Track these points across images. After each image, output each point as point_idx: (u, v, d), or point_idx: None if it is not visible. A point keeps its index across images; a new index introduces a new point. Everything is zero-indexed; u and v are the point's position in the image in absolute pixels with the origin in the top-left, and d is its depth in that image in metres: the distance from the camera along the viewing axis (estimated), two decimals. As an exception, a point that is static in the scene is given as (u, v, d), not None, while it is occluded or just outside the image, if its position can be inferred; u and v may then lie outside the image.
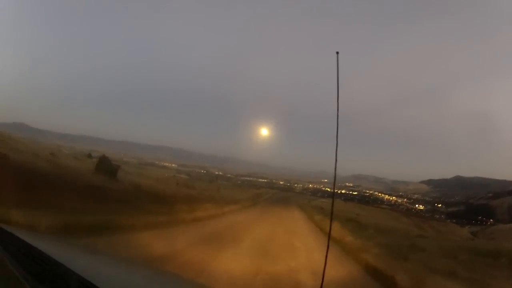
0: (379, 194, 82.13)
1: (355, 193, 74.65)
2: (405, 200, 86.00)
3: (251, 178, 73.85)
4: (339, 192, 72.42)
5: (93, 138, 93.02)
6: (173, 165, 78.15)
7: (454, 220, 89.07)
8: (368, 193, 79.84)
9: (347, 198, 72.50)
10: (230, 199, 25.91)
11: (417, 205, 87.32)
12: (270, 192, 62.95)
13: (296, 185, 70.25)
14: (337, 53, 3.07)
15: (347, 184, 72.65)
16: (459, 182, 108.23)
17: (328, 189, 70.91)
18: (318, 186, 70.45)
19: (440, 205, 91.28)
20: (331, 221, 3.80)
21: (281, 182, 71.01)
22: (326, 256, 2.92)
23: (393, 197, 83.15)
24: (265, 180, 72.13)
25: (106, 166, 18.38)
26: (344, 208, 38.81)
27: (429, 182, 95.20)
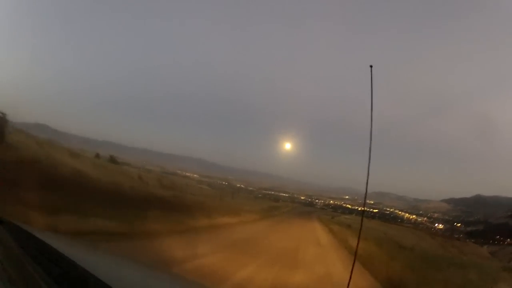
0: (400, 212, 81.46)
1: (376, 210, 74.25)
2: (425, 219, 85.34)
3: (273, 192, 74.61)
4: (358, 209, 72.15)
5: (115, 144, 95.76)
6: (195, 175, 79.52)
7: (473, 240, 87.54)
8: (388, 211, 79.20)
9: (368, 215, 72.36)
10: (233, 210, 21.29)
11: (436, 224, 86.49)
12: (290, 205, 63.11)
13: (317, 200, 70.59)
14: (371, 66, 2.91)
15: (368, 201, 72.55)
16: (480, 201, 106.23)
17: (349, 206, 70.70)
18: (339, 203, 70.64)
19: (459, 224, 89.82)
20: (359, 237, 3.87)
21: (302, 197, 71.54)
22: (351, 271, 2.92)
23: (413, 216, 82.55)
24: (287, 195, 72.83)
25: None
26: (370, 225, 40.95)
27: (450, 200, 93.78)
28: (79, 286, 1.06)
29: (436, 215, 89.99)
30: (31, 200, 6.27)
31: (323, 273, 8.01)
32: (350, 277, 2.75)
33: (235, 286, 5.59)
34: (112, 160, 38.64)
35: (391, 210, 73.72)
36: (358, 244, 3.84)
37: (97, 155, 37.37)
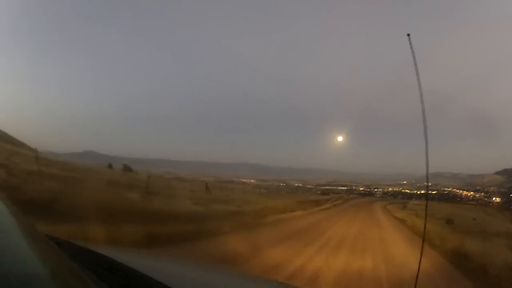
0: (457, 191, 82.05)
1: (434, 192, 75.32)
2: (482, 194, 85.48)
3: (331, 187, 76.98)
4: (417, 192, 73.22)
5: (168, 161, 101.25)
6: (252, 180, 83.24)
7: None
8: (446, 190, 79.88)
9: (428, 197, 73.62)
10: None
11: (494, 198, 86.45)
12: (345, 197, 60.73)
13: (376, 189, 72.42)
14: (408, 35, 2.83)
15: (425, 183, 73.70)
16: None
17: (408, 191, 71.94)
18: (397, 189, 72.15)
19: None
20: (425, 220, 3.65)
21: (361, 188, 73.45)
22: (421, 257, 2.80)
23: (471, 192, 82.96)
24: (345, 188, 74.96)
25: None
26: (438, 207, 36.14)
27: (503, 172, 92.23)
28: None
29: (492, 188, 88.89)
30: (87, 218, 6.39)
31: (390, 255, 8.39)
32: (421, 257, 2.70)
33: (307, 276, 5.65)
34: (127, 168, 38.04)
35: (449, 189, 74.20)
36: (425, 224, 3.89)
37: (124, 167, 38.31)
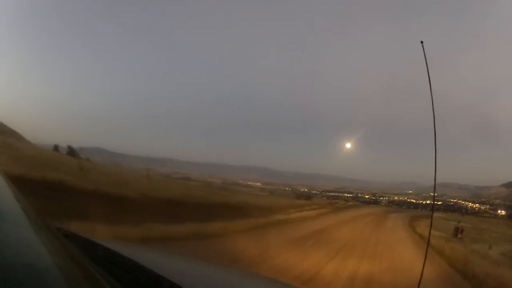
0: (463, 202, 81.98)
1: (440, 202, 75.12)
2: (487, 206, 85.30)
3: (337, 193, 77.50)
4: (423, 202, 73.29)
5: (178, 161, 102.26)
6: (258, 184, 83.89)
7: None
8: (452, 201, 79.81)
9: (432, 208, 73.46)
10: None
11: (499, 211, 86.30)
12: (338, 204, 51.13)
13: (381, 198, 72.83)
14: (422, 42, 2.70)
15: (430, 194, 73.97)
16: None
17: (413, 200, 72.06)
18: (403, 198, 72.50)
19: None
20: (430, 227, 3.83)
21: (366, 196, 73.89)
22: (425, 261, 2.79)
23: (476, 204, 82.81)
24: (350, 195, 75.42)
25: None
26: (449, 217, 35.61)
27: (509, 184, 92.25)
28: None
29: (497, 201, 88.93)
30: (97, 213, 6.41)
31: (396, 263, 8.28)
32: (424, 265, 2.65)
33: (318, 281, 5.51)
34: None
35: (455, 200, 74.33)
36: (430, 233, 3.90)
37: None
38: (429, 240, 4.71)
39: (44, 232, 0.76)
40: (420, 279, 2.61)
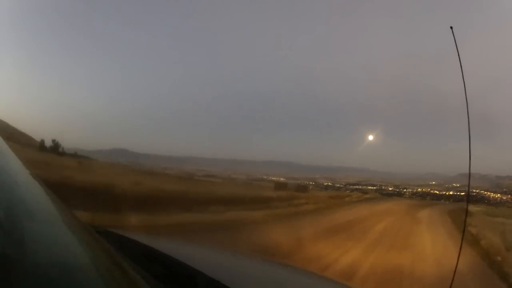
0: (486, 193, 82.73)
1: (463, 193, 76.19)
2: (509, 196, 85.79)
3: (360, 186, 78.64)
4: (446, 194, 74.08)
5: (201, 159, 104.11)
6: (282, 178, 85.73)
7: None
8: (475, 192, 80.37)
9: (456, 199, 75.24)
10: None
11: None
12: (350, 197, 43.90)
13: (404, 190, 73.91)
14: (451, 28, 2.54)
15: (453, 184, 74.99)
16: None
17: (437, 192, 72.92)
18: (426, 190, 73.51)
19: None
20: (465, 219, 3.98)
21: (390, 188, 74.90)
22: (459, 256, 2.58)
23: (498, 194, 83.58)
24: (374, 187, 76.50)
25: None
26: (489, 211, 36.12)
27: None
28: (187, 285, 1.04)
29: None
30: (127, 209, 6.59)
31: (427, 254, 8.06)
32: (458, 257, 2.41)
33: (341, 270, 5.65)
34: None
35: (477, 191, 74.79)
36: (464, 226, 3.64)
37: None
38: (464, 232, 4.32)
39: (78, 230, 0.77)
40: (452, 280, 2.36)
